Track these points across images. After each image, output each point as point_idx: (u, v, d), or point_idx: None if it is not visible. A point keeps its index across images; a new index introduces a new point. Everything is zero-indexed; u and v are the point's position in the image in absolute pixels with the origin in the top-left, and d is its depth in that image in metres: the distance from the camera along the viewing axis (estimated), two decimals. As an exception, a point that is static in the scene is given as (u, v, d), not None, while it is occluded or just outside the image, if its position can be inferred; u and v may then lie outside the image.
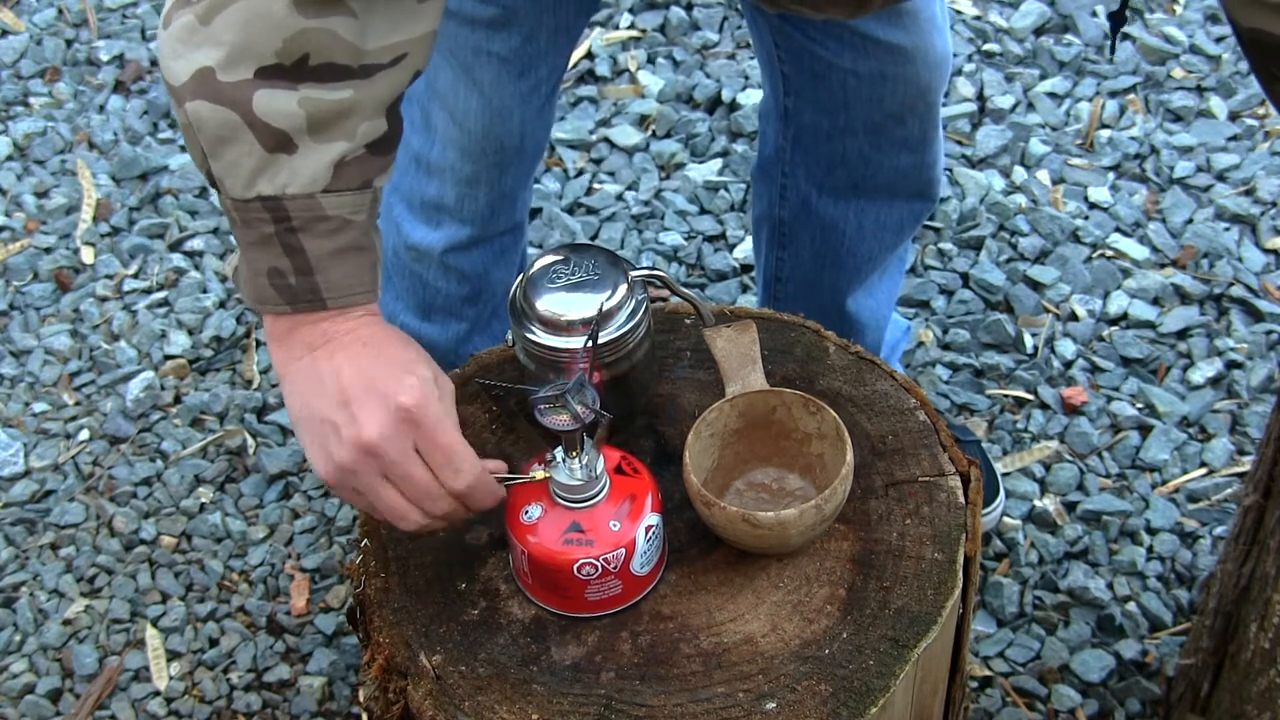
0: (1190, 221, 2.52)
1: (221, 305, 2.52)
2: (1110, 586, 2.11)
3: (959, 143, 2.66)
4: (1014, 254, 2.50)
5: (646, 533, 1.27)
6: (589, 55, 2.84)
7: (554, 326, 1.33)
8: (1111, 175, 2.61)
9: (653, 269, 1.37)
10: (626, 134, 2.71)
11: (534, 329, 1.34)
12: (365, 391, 1.19)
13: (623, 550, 1.26)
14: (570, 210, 2.60)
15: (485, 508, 1.26)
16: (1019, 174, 2.61)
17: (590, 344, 1.31)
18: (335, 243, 1.20)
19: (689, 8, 2.92)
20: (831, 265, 1.98)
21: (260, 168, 1.16)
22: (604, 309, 1.32)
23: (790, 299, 2.03)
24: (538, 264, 1.35)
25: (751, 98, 2.72)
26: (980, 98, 2.73)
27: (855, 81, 1.75)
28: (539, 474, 1.27)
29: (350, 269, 1.21)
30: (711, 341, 1.41)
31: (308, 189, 1.17)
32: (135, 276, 2.57)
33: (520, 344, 1.36)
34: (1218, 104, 2.69)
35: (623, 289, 1.34)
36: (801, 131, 1.85)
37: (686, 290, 1.39)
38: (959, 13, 2.86)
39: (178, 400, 2.41)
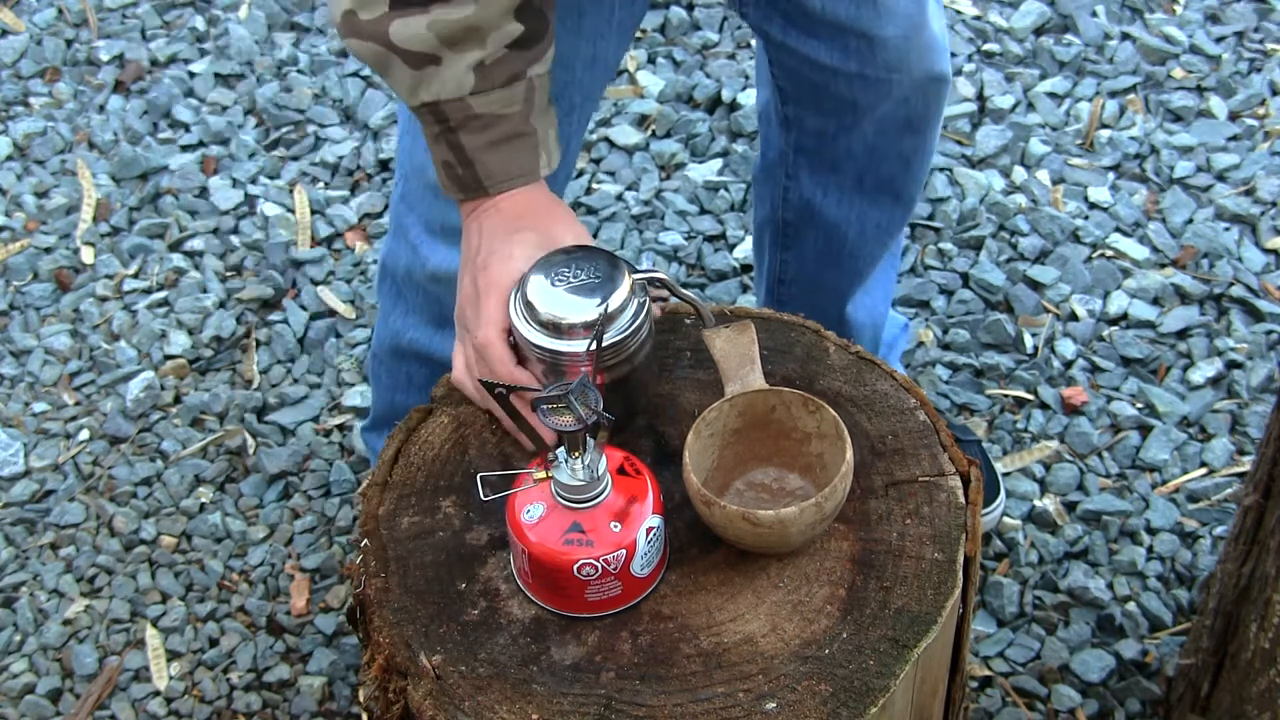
0: (1190, 221, 2.53)
1: (221, 305, 2.52)
2: (1110, 586, 2.11)
3: (959, 143, 2.66)
4: (1014, 254, 2.50)
5: (647, 534, 1.27)
6: (589, 55, 2.84)
7: (556, 329, 1.33)
8: (1111, 175, 2.61)
9: (653, 271, 1.38)
10: (626, 134, 2.71)
11: (535, 331, 1.33)
12: (460, 309, 1.40)
13: (623, 551, 1.26)
14: (572, 209, 2.60)
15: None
16: (1019, 174, 2.61)
17: (594, 346, 1.31)
18: (489, 136, 1.35)
19: (689, 8, 2.92)
20: (833, 267, 1.98)
21: (415, 82, 1.33)
22: (607, 312, 1.32)
23: (794, 301, 2.03)
24: (538, 265, 1.35)
25: (751, 97, 2.72)
26: (980, 98, 2.73)
27: (862, 83, 1.75)
28: (540, 474, 1.27)
29: (506, 156, 1.36)
30: (711, 341, 1.41)
31: (455, 94, 1.33)
32: (135, 276, 2.58)
33: (521, 345, 1.36)
34: (1218, 104, 2.69)
35: (624, 291, 1.34)
36: (805, 136, 1.86)
37: (686, 291, 1.39)
38: (959, 13, 2.86)
39: (178, 400, 2.41)
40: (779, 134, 1.90)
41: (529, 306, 1.33)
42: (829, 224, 1.93)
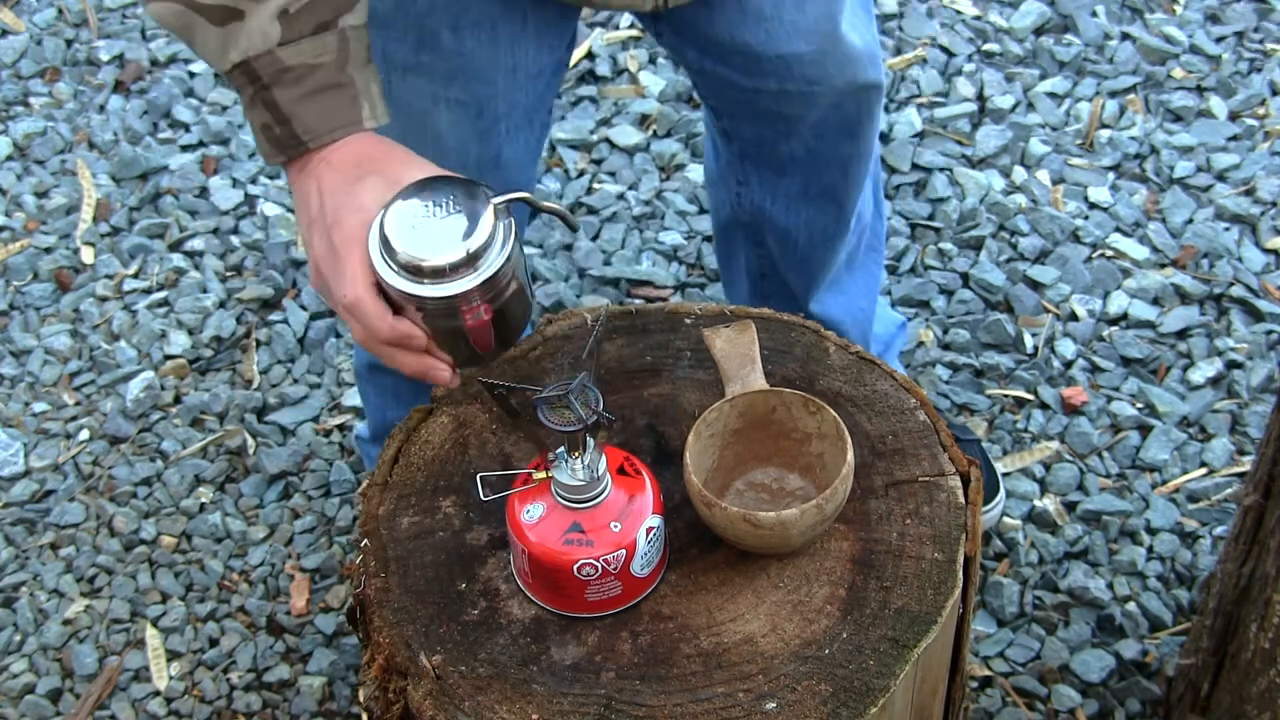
0: (1190, 221, 2.53)
1: (221, 305, 2.52)
2: (1110, 586, 2.11)
3: (959, 143, 2.66)
4: (1014, 254, 2.50)
5: (647, 534, 1.27)
6: (589, 55, 2.84)
7: (424, 273, 1.26)
8: (1111, 175, 2.61)
9: (513, 192, 1.31)
10: (627, 134, 2.71)
11: (404, 279, 1.27)
12: (316, 274, 1.33)
13: (623, 551, 1.26)
14: (571, 210, 2.60)
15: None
16: (1019, 174, 2.61)
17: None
18: (302, 89, 1.31)
19: (689, 8, 2.91)
20: (791, 270, 2.00)
21: (222, 42, 1.30)
22: (476, 249, 1.26)
23: (776, 296, 2.04)
24: (393, 208, 1.28)
25: (751, 98, 2.72)
26: (980, 98, 2.73)
27: (785, 98, 1.76)
28: (540, 474, 1.27)
29: (323, 108, 1.32)
30: (711, 342, 1.41)
31: (263, 47, 1.29)
32: (135, 276, 2.58)
33: (394, 296, 1.29)
34: (1218, 104, 2.69)
35: (490, 221, 1.27)
36: (746, 144, 1.88)
37: (548, 203, 1.35)
38: (959, 13, 2.86)
39: (178, 400, 2.41)
40: (723, 144, 1.92)
41: (392, 253, 1.26)
42: (780, 229, 1.95)
